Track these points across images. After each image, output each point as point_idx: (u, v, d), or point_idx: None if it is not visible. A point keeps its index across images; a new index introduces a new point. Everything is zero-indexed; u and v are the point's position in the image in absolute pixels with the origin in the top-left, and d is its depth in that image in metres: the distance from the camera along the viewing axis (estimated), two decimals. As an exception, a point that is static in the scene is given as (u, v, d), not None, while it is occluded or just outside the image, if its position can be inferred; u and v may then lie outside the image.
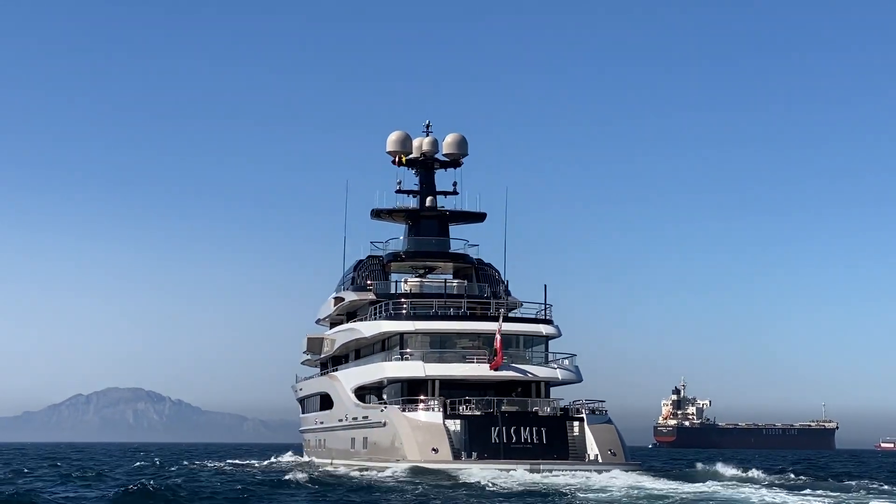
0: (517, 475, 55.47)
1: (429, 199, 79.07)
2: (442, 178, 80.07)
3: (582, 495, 44.84)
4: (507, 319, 66.20)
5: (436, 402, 62.79)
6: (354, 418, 70.58)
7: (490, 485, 51.08)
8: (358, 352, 76.15)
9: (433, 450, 60.23)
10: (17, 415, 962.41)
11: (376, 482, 53.72)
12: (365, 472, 61.21)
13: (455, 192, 79.77)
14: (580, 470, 57.87)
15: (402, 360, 66.56)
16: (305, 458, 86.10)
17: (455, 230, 79.22)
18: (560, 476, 55.72)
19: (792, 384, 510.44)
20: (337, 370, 77.60)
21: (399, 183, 79.60)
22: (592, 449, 61.69)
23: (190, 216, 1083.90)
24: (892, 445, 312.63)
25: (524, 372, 65.65)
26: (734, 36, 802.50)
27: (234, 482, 54.80)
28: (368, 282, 75.48)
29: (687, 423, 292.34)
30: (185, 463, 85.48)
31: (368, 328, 70.61)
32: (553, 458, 60.07)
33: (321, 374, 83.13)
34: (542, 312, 68.74)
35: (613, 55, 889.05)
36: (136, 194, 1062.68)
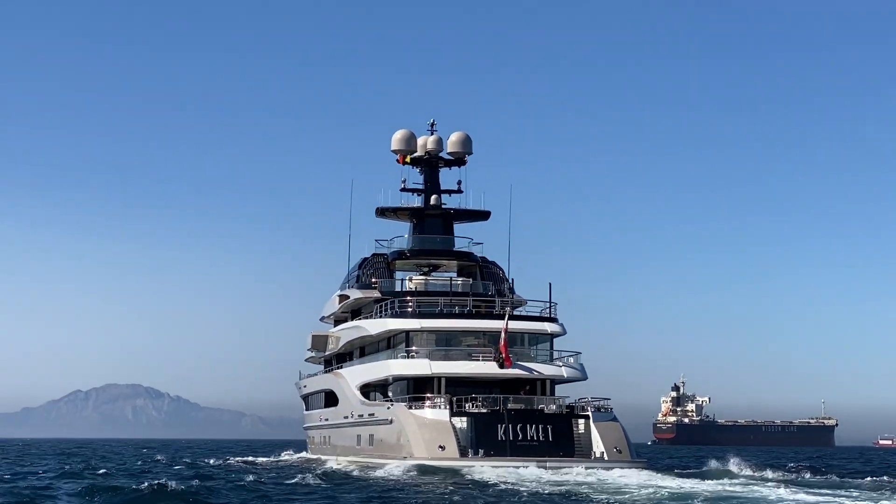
0: (527, 472, 55.47)
1: (433, 197, 79.19)
2: (446, 177, 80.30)
3: (603, 496, 44.02)
4: (512, 317, 66.35)
5: (442, 399, 63.02)
6: (360, 415, 70.84)
7: (502, 484, 50.17)
8: (363, 349, 76.30)
9: (440, 447, 60.37)
10: (16, 411, 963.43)
11: (411, 485, 50.68)
12: (369, 469, 61.08)
13: (459, 191, 79.87)
14: (587, 467, 57.82)
15: (407, 357, 66.77)
16: (311, 455, 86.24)
17: (459, 228, 79.40)
18: (569, 474, 55.47)
19: (791, 382, 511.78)
20: (342, 367, 77.89)
21: (404, 181, 79.79)
22: (598, 446, 61.79)
23: (191, 214, 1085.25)
24: (890, 442, 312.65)
25: (530, 370, 65.88)
26: (735, 36, 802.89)
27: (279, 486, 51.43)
28: (373, 280, 75.71)
29: (686, 420, 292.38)
30: (219, 462, 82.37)
31: (374, 326, 70.80)
32: (559, 455, 60.16)
33: (326, 372, 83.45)
34: (547, 310, 68.96)
35: (617, 56, 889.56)
36: (136, 191, 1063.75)
